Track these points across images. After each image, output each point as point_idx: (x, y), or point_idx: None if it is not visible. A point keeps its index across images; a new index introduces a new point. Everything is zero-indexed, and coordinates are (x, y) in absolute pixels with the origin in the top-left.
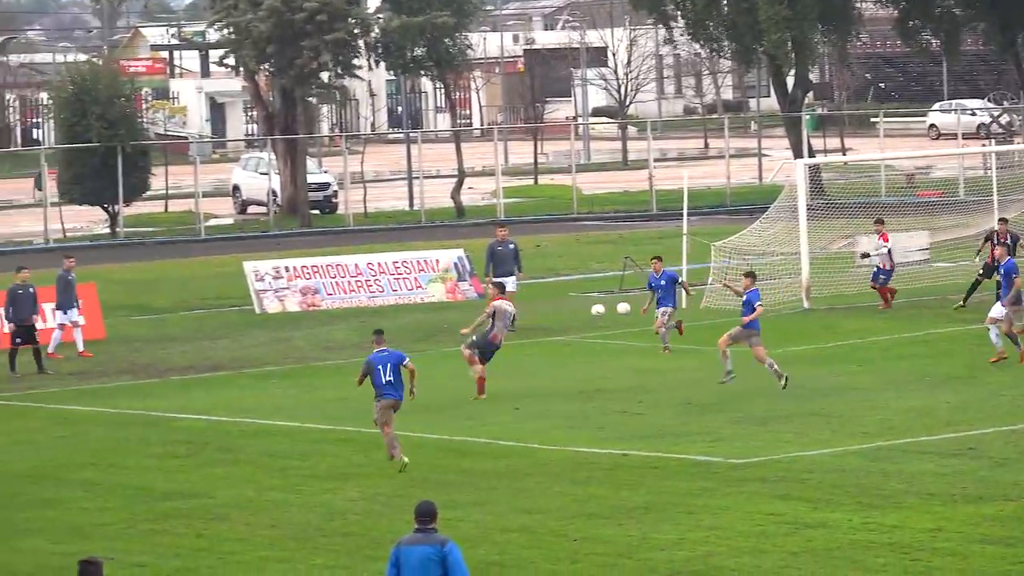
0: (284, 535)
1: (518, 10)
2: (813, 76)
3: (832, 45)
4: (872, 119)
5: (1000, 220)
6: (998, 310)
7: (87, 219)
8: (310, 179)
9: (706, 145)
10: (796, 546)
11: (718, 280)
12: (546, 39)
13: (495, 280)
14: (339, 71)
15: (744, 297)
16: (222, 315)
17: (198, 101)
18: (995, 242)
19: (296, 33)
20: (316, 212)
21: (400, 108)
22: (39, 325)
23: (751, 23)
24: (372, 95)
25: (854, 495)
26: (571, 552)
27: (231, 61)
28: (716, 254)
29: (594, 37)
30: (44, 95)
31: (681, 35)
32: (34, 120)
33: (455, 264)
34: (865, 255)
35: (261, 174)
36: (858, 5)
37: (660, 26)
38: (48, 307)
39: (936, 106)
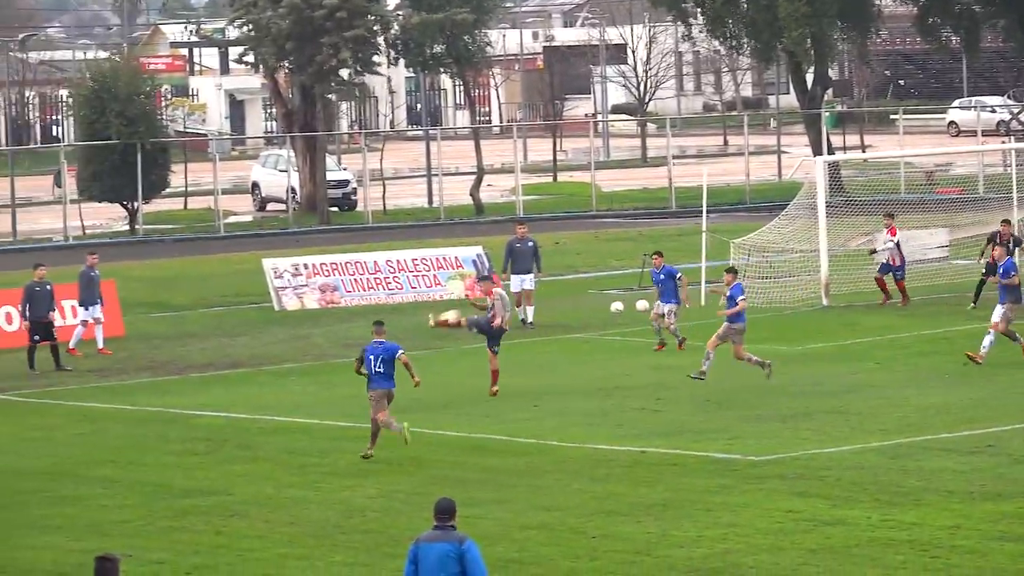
0: (303, 532)
1: (537, 7)
2: (833, 73)
3: (851, 42)
4: (892, 116)
5: (1003, 221)
6: (999, 313)
7: (106, 216)
8: (329, 176)
9: (725, 142)
10: (814, 543)
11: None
12: (565, 36)
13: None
14: (358, 68)
15: (727, 293)
16: (241, 312)
17: (217, 98)
18: (996, 243)
19: (316, 30)
20: (335, 209)
21: (419, 105)
22: (57, 322)
23: (770, 20)
24: (391, 92)
25: (873, 492)
26: (590, 549)
27: (250, 58)
28: (735, 251)
29: (613, 34)
30: (64, 92)
31: (700, 32)
32: (54, 117)
33: (474, 261)
34: (873, 252)
35: (280, 171)
36: (878, 2)
37: (679, 23)
38: (67, 304)
39: (956, 103)
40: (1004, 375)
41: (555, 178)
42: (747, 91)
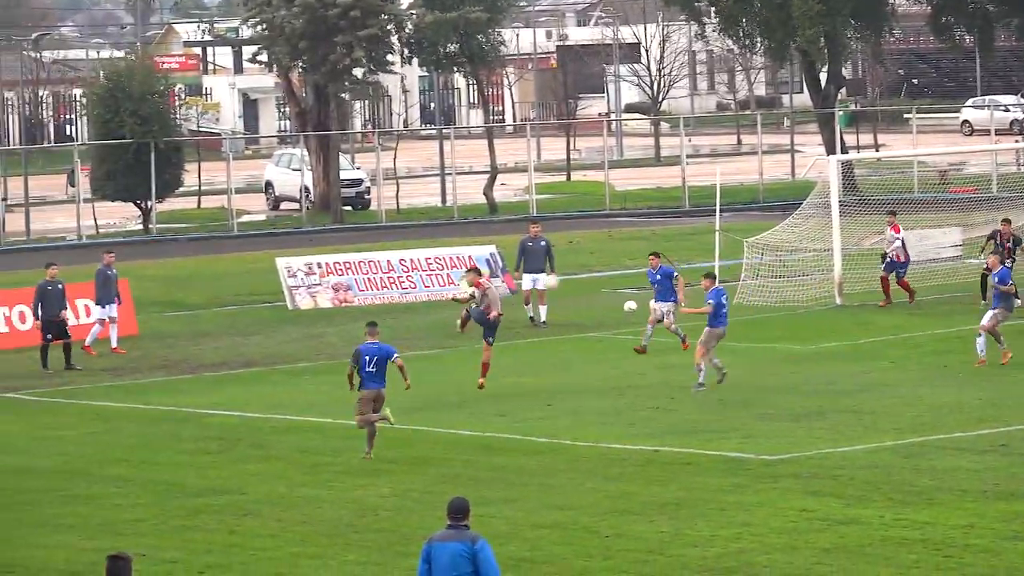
0: (316, 531)
1: (551, 6)
2: (846, 72)
3: (865, 41)
4: (905, 115)
5: (1003, 221)
6: (989, 316)
7: (120, 215)
8: (343, 175)
9: (739, 141)
10: (828, 543)
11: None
12: (579, 35)
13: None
14: (372, 67)
15: (707, 300)
16: (255, 311)
17: (231, 97)
18: (996, 243)
19: (329, 29)
20: (348, 208)
21: (433, 104)
22: (70, 321)
23: (784, 19)
24: (405, 91)
25: (886, 492)
26: (603, 548)
27: (264, 57)
28: (748, 250)
29: (627, 33)
30: (77, 91)
31: (713, 31)
32: (67, 116)
33: (487, 261)
34: (885, 255)
35: (294, 170)
36: (891, 1)
37: (693, 22)
38: (81, 303)
39: (969, 102)
40: (1017, 374)
41: (568, 177)
42: (760, 90)
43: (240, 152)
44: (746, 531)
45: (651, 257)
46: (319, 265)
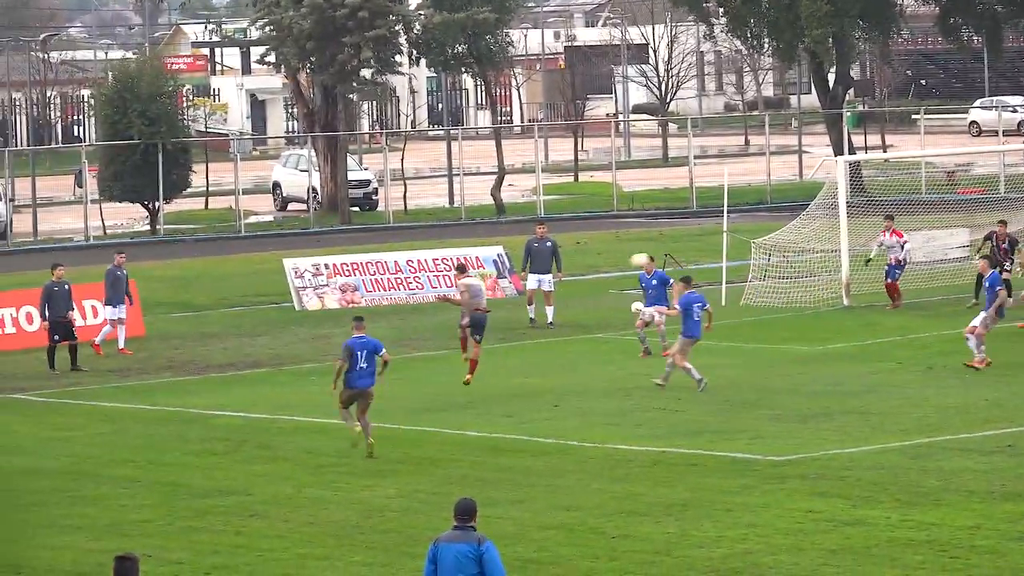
0: (322, 532)
1: (559, 7)
2: (854, 73)
3: (873, 42)
4: (913, 116)
5: (999, 222)
6: (979, 319)
7: (127, 216)
8: (350, 176)
9: (747, 142)
10: (834, 544)
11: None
12: (587, 36)
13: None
14: (380, 68)
15: (677, 302)
16: (262, 312)
17: (239, 98)
18: (993, 244)
19: (337, 30)
20: (356, 209)
21: (441, 105)
22: (78, 322)
23: (792, 19)
24: (413, 92)
25: (893, 493)
26: (609, 549)
27: (272, 58)
28: (756, 251)
29: (635, 34)
30: (85, 92)
31: (722, 32)
32: (75, 117)
33: (495, 261)
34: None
35: (301, 171)
36: (899, 1)
37: (701, 23)
38: (88, 304)
39: (977, 103)
40: (1023, 376)
41: (576, 178)
42: (768, 91)
43: (248, 153)
44: (752, 532)
45: (646, 261)
46: (326, 266)
